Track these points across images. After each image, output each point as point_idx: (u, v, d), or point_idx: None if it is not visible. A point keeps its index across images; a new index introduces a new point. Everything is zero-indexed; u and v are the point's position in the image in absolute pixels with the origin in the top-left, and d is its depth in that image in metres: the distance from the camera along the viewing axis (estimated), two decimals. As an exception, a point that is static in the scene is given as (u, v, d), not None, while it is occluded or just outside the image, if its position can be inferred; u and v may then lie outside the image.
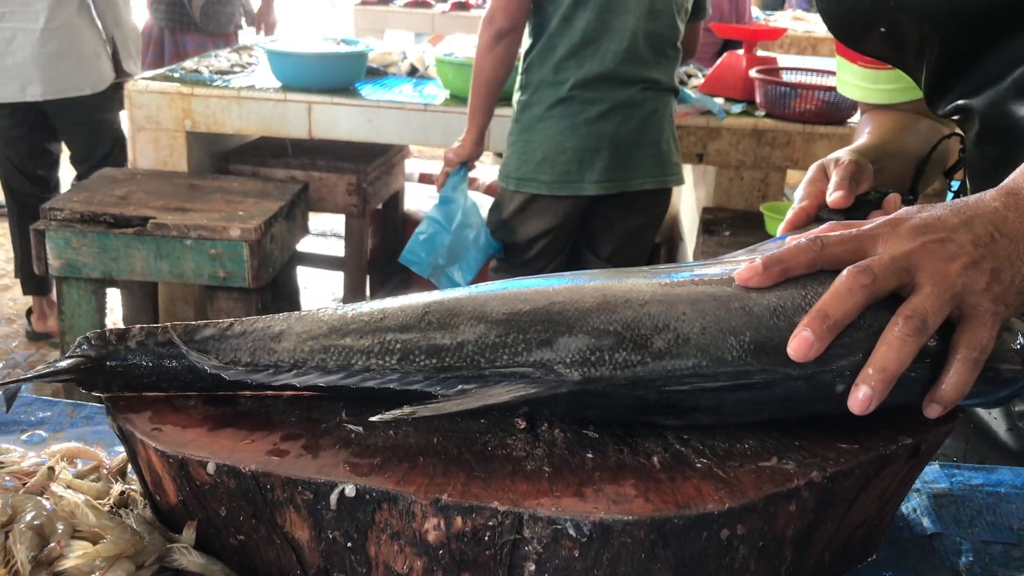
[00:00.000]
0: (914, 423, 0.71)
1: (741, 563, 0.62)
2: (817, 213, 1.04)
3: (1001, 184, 0.77)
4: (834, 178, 1.03)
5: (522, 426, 0.69)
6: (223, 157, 3.36)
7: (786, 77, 3.24)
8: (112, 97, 3.56)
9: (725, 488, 0.61)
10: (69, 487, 0.73)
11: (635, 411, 0.67)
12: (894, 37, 1.03)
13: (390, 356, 0.66)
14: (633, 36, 2.52)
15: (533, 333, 0.66)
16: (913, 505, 0.87)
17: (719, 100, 3.19)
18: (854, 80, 1.26)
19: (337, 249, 4.15)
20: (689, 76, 3.55)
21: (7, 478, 0.72)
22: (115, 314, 3.58)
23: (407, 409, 0.63)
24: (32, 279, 3.60)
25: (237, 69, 3.40)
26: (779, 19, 6.30)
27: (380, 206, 3.92)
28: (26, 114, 3.48)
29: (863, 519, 0.72)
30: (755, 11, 5.72)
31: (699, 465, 0.64)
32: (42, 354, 3.69)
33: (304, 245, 3.51)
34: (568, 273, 0.77)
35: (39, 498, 0.68)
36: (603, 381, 0.65)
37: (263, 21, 5.16)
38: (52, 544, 0.64)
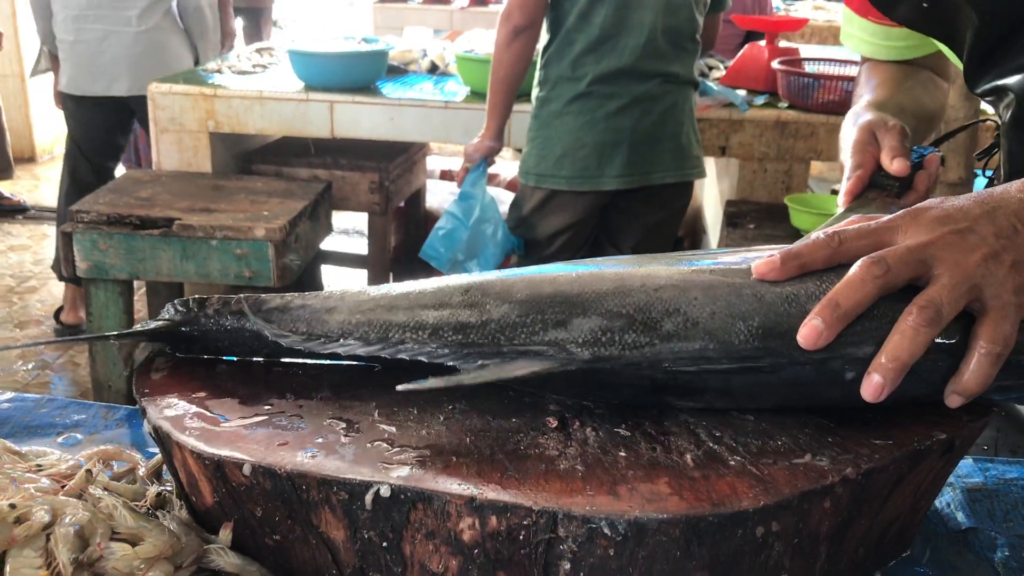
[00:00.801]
0: (948, 418, 0.71)
1: (776, 560, 0.62)
2: (872, 178, 1.04)
3: None
4: (888, 144, 1.03)
5: (554, 425, 0.69)
6: (246, 157, 3.38)
7: (808, 68, 3.21)
8: None
9: (760, 485, 0.61)
10: (106, 489, 0.74)
11: (645, 391, 0.70)
12: (934, 11, 1.03)
13: (423, 331, 0.72)
14: (651, 30, 2.51)
15: (550, 314, 0.70)
16: (947, 500, 0.86)
17: (741, 92, 3.17)
18: (863, 35, 1.24)
19: (360, 247, 4.16)
20: (711, 68, 3.53)
21: (46, 480, 0.73)
22: (142, 315, 3.62)
23: (432, 382, 0.67)
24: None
25: (259, 69, 3.42)
26: (800, 9, 6.25)
27: (402, 203, 3.93)
28: (108, 108, 3.69)
29: (897, 515, 0.72)
30: (776, 1, 5.68)
31: (732, 463, 0.64)
32: (70, 356, 3.73)
33: (328, 244, 3.53)
34: (596, 259, 0.81)
35: (78, 500, 0.69)
36: (612, 360, 0.68)
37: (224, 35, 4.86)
38: (92, 546, 0.65)
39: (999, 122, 1.10)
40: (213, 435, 0.69)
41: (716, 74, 3.44)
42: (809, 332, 0.66)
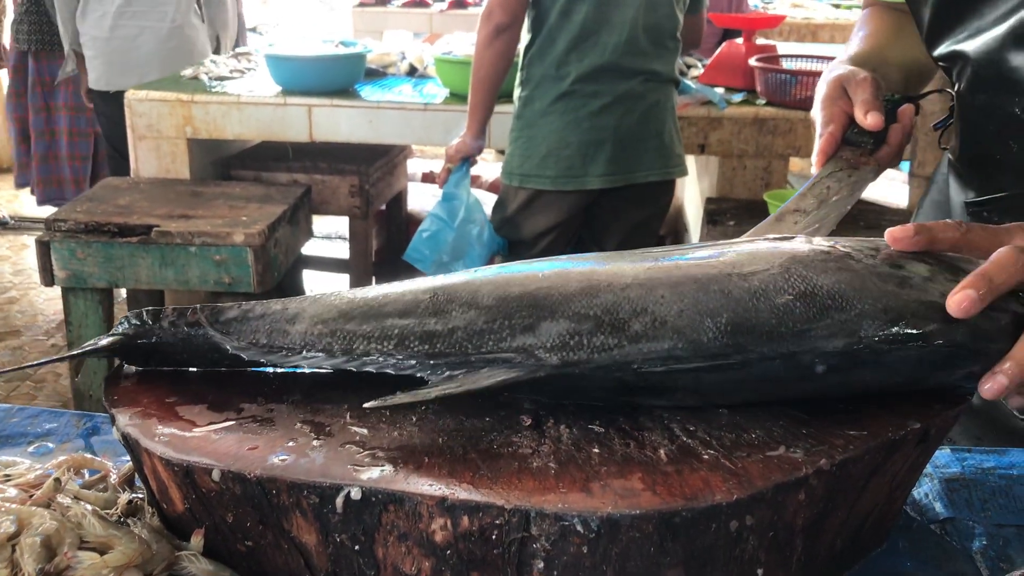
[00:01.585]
0: (922, 407, 0.70)
1: (751, 554, 0.61)
2: (845, 135, 1.03)
3: None
4: (860, 97, 1.02)
5: (528, 423, 0.69)
6: (225, 163, 3.36)
7: (786, 64, 3.22)
8: None
9: (733, 479, 0.60)
10: (76, 498, 0.73)
11: (616, 392, 0.69)
12: None
13: (388, 341, 0.70)
14: (633, 28, 2.51)
15: (518, 319, 0.69)
16: (925, 490, 0.86)
17: (719, 90, 3.18)
18: None
19: (342, 251, 4.15)
20: (689, 67, 3.53)
21: (13, 490, 0.72)
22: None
23: (399, 397, 0.66)
24: None
25: (236, 74, 3.40)
26: (778, 6, 6.27)
27: (383, 207, 3.92)
28: None
29: (874, 506, 0.72)
30: (753, -1, 5.70)
31: (706, 456, 0.64)
32: (51, 366, 3.70)
33: (309, 248, 3.51)
34: (562, 257, 0.79)
35: (45, 510, 0.68)
36: (581, 364, 0.66)
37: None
38: (59, 556, 0.64)
39: (953, 92, 1.10)
40: (182, 441, 0.68)
41: (694, 72, 3.45)
42: (962, 299, 0.66)
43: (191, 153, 3.14)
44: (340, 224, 4.44)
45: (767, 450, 0.64)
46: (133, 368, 0.79)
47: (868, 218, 2.89)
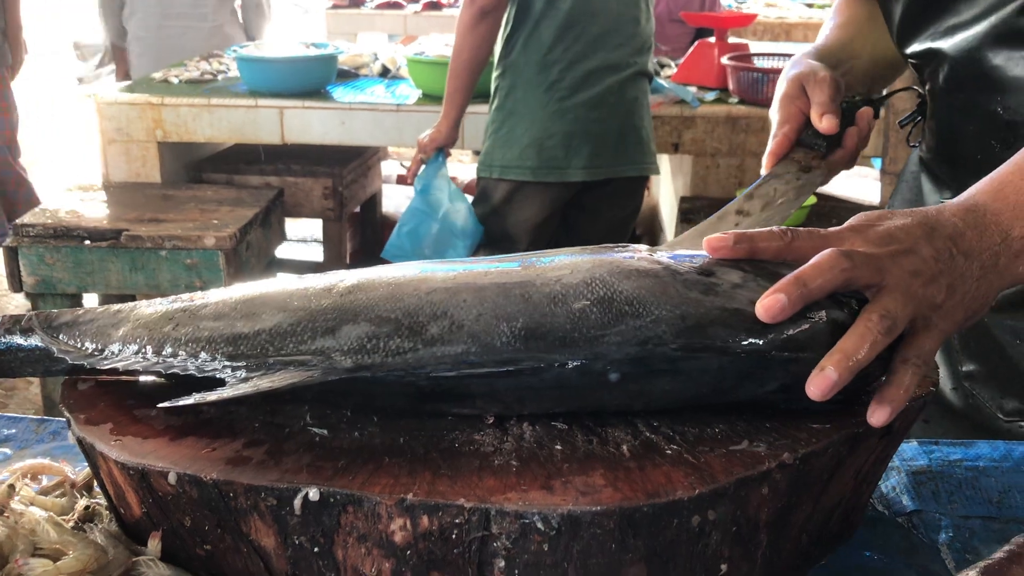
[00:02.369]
0: (886, 400, 0.70)
1: (715, 549, 0.61)
2: (800, 136, 1.01)
3: (961, 198, 0.76)
4: (818, 99, 1.00)
5: (490, 421, 0.68)
6: (196, 166, 3.34)
7: (758, 63, 3.24)
8: None
9: (695, 474, 0.60)
10: (32, 504, 0.72)
11: (414, 399, 0.67)
12: None
13: (196, 344, 0.69)
14: (616, 20, 2.50)
15: (321, 322, 0.68)
16: (892, 483, 0.86)
17: (692, 89, 3.18)
18: None
19: (316, 254, 4.12)
20: (662, 66, 3.54)
21: (-34, 498, 0.71)
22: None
23: (195, 397, 0.65)
24: None
25: (207, 77, 3.37)
26: (751, 5, 6.30)
27: (358, 209, 3.90)
28: None
29: (840, 499, 0.71)
30: (726, -1, 5.72)
31: (669, 452, 0.63)
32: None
33: (283, 251, 3.49)
34: (416, 263, 0.77)
35: (-2, 517, 0.67)
36: (374, 368, 0.65)
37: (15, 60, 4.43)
38: (10, 563, 0.62)
39: (921, 91, 1.09)
40: (138, 445, 0.67)
41: (667, 72, 3.45)
42: (771, 304, 0.64)
43: (162, 156, 3.11)
44: (314, 227, 4.41)
45: (730, 444, 0.64)
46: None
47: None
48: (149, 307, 0.75)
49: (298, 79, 3.11)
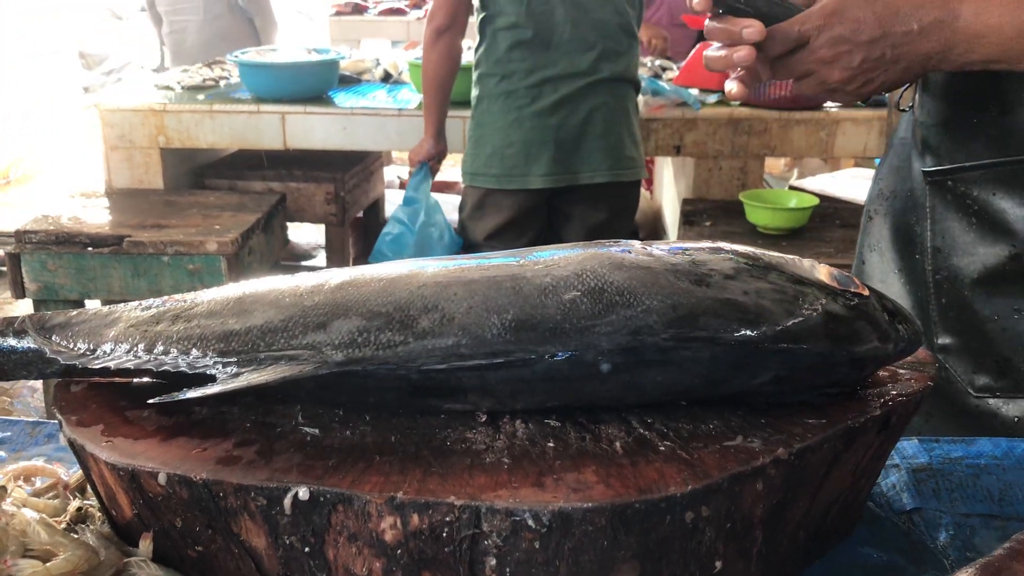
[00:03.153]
0: (882, 394, 0.70)
1: (708, 546, 0.60)
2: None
3: None
4: None
5: (483, 419, 0.68)
6: (199, 172, 3.34)
7: (760, 64, 3.22)
8: None
9: (688, 470, 0.59)
10: (24, 506, 0.71)
11: (404, 394, 0.67)
12: None
13: (188, 341, 0.69)
14: (576, 27, 2.51)
15: (312, 317, 0.68)
16: (892, 481, 0.85)
17: (694, 91, 3.18)
18: None
19: (319, 259, 4.12)
20: (664, 69, 3.54)
21: (-43, 500, 0.70)
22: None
23: (188, 393, 0.65)
24: None
25: (209, 83, 3.38)
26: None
27: (360, 214, 3.90)
28: None
29: (837, 495, 0.71)
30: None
31: (662, 448, 0.62)
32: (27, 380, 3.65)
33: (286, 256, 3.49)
34: (399, 262, 0.77)
35: (-12, 518, 0.66)
36: (364, 361, 0.65)
37: None
38: (0, 564, 0.62)
39: None
40: (129, 446, 0.66)
41: (669, 75, 3.45)
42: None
43: (164, 163, 3.11)
44: (317, 232, 4.41)
45: (724, 440, 0.63)
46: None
47: (844, 216, 2.89)
48: (141, 307, 0.75)
49: (300, 85, 3.11)
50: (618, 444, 0.63)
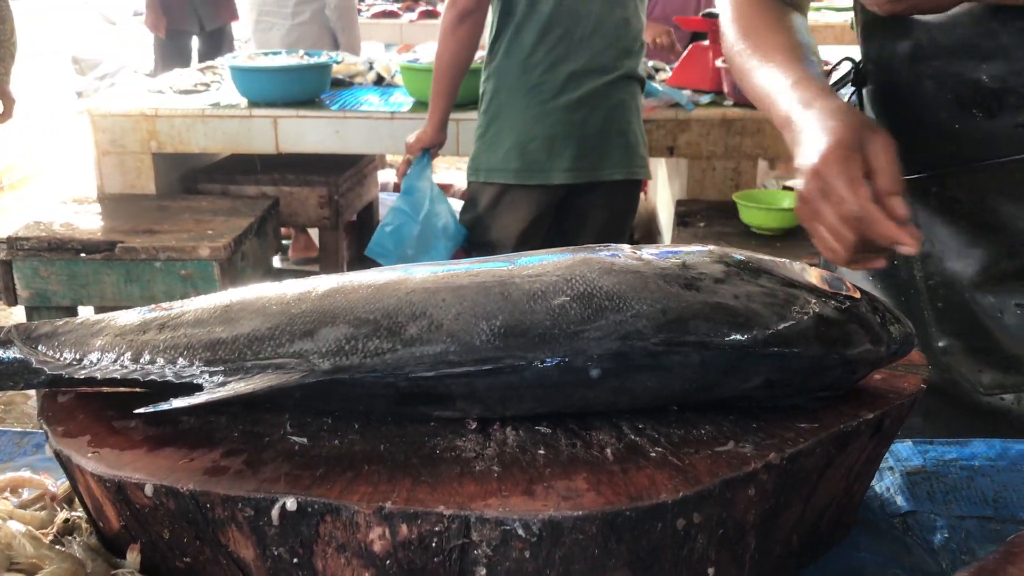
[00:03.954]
0: (875, 398, 0.69)
1: (701, 552, 0.60)
2: None
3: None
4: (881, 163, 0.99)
5: (473, 426, 0.67)
6: (192, 177, 3.33)
7: (753, 65, 3.22)
8: None
9: (679, 476, 0.59)
10: (11, 518, 0.71)
11: (394, 401, 0.66)
12: None
13: (174, 350, 0.68)
14: (599, 23, 2.49)
15: (299, 324, 0.67)
16: (887, 484, 0.85)
17: (687, 92, 3.17)
18: None
19: (312, 263, 4.11)
20: (657, 71, 3.54)
21: (-58, 513, 0.70)
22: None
23: (175, 402, 0.64)
24: None
25: (201, 87, 3.37)
26: (746, 9, 6.28)
27: (354, 217, 3.89)
28: None
29: (831, 500, 0.70)
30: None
31: (653, 454, 0.62)
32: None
33: (279, 260, 3.48)
34: (392, 267, 0.76)
35: (-28, 532, 0.66)
36: (352, 369, 0.64)
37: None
38: (-16, 579, 0.61)
39: (854, 61, 1.09)
40: (115, 457, 0.66)
41: (662, 76, 3.44)
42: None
43: (156, 168, 3.10)
44: (313, 236, 4.40)
45: (716, 445, 0.62)
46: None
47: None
48: (128, 316, 0.74)
49: (292, 88, 3.10)
50: (609, 450, 0.63)
